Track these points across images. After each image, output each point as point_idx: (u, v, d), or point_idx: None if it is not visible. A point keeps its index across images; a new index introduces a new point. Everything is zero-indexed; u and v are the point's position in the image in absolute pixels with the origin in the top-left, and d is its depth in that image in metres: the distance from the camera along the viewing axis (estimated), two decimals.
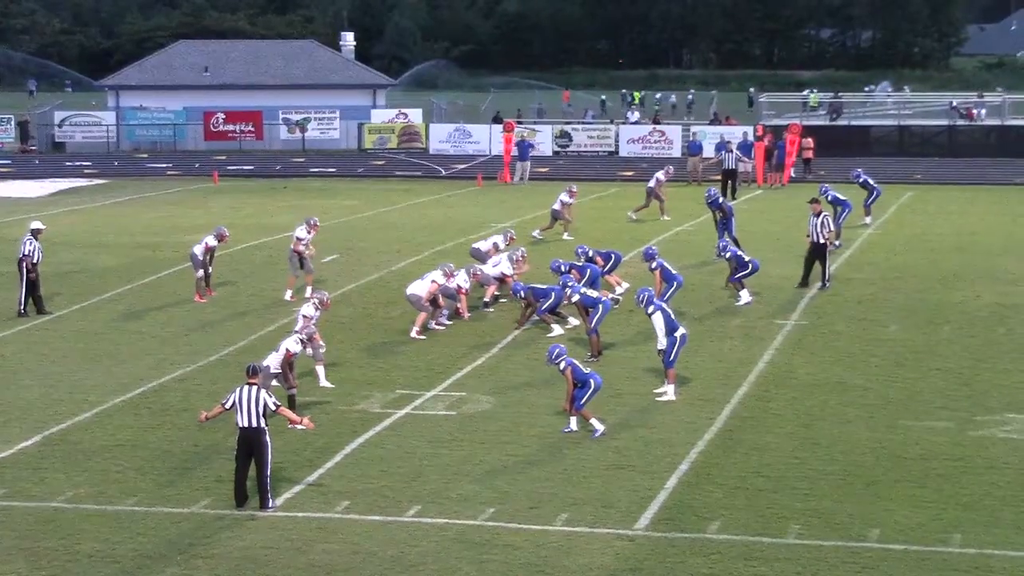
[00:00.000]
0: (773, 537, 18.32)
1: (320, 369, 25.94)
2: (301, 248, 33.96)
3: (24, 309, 32.76)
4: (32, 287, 32.90)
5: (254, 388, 19.50)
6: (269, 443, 19.47)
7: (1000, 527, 18.65)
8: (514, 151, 64.79)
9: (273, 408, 19.54)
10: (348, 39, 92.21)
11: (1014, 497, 19.81)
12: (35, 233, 33.33)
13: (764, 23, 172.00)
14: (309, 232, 34.42)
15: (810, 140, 63.75)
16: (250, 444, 19.38)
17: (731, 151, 56.83)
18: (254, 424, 19.34)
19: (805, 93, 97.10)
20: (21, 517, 19.31)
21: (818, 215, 34.65)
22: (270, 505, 19.45)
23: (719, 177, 56.75)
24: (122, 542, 18.33)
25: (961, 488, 20.15)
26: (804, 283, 34.92)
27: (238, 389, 19.64)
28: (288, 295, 34.07)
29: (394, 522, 19.01)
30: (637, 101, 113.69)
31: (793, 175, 61.71)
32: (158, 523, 19.01)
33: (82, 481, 20.74)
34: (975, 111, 78.29)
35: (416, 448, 22.28)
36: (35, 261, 32.87)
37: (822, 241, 34.56)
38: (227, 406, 19.61)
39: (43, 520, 19.17)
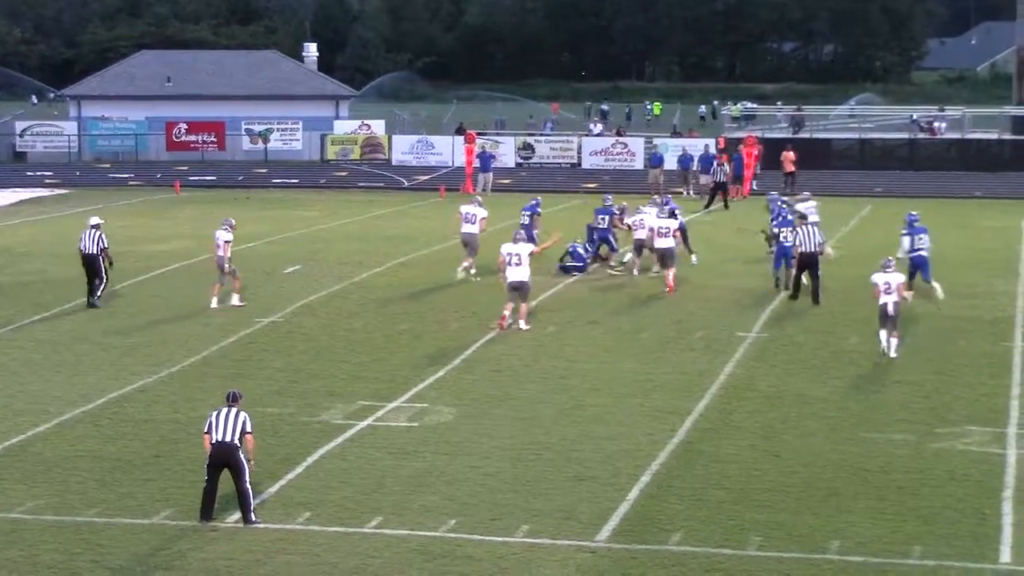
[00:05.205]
0: (734, 549, 18.36)
1: None
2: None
3: (98, 297, 34.44)
4: (101, 274, 34.46)
5: (233, 410, 19.40)
6: (244, 459, 19.35)
7: (959, 539, 18.73)
8: (476, 162, 64.84)
9: (249, 431, 19.40)
10: (311, 50, 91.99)
11: (973, 510, 19.89)
12: (96, 227, 34.64)
13: (726, 36, 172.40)
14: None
15: (791, 154, 63.13)
16: (224, 459, 19.19)
17: (721, 165, 56.95)
18: (228, 439, 19.17)
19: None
20: None
21: (802, 226, 34.64)
22: (253, 519, 19.33)
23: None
24: (82, 553, 18.25)
25: (921, 500, 20.25)
26: (795, 296, 34.88)
27: (214, 413, 19.55)
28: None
29: (355, 533, 18.98)
30: (657, 112, 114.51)
31: (755, 188, 61.94)
32: (119, 534, 18.93)
33: (42, 492, 20.66)
34: (936, 125, 78.46)
35: (377, 459, 22.25)
36: (104, 246, 34.46)
37: (813, 250, 34.26)
38: (206, 431, 19.49)
39: (3, 531, 19.05)
